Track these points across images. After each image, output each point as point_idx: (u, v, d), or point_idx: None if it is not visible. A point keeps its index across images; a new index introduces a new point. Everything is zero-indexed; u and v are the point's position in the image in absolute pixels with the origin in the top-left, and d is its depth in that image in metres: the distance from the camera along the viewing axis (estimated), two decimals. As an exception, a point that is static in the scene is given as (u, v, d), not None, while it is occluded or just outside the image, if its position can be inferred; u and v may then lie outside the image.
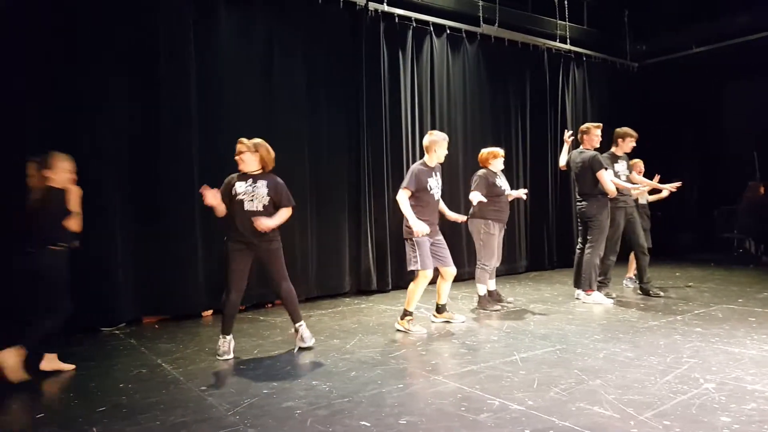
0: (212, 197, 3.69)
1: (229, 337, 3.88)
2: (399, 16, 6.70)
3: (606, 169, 5.41)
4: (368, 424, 2.62)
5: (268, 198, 3.81)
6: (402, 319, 4.53)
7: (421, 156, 6.87)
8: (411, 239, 4.40)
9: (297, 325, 4.02)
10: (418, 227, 4.28)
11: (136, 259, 5.03)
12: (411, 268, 4.46)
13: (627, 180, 5.72)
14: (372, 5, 6.44)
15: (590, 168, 5.40)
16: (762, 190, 8.41)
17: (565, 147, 5.89)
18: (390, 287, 6.55)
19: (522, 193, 5.53)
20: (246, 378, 3.39)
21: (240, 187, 3.80)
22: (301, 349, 3.99)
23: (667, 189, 6.28)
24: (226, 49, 5.50)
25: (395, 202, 6.56)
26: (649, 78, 9.59)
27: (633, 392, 2.95)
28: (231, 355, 3.83)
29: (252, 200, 3.78)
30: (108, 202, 4.86)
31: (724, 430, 2.45)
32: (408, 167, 6.75)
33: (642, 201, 6.38)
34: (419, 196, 4.43)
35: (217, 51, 5.45)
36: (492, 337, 4.27)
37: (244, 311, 5.45)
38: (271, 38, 5.79)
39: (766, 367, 3.32)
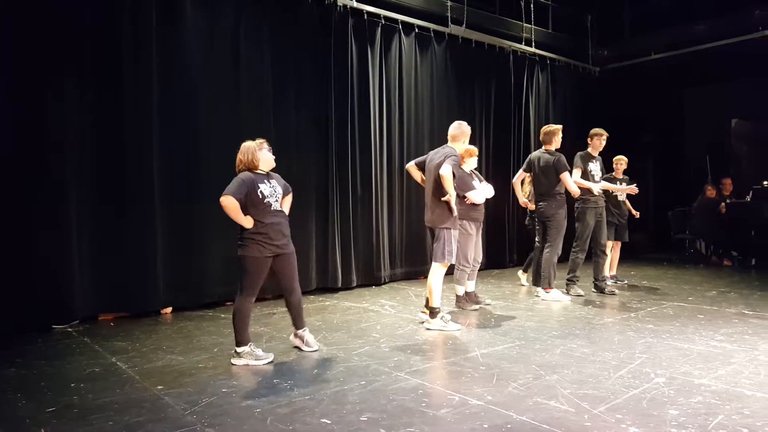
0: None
1: (253, 344, 3.65)
2: (368, 13, 6.69)
3: (570, 171, 5.56)
4: (329, 422, 2.61)
5: (281, 195, 3.74)
6: (433, 317, 4.46)
7: (389, 154, 7.00)
8: (449, 228, 4.41)
9: (302, 331, 3.90)
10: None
11: (93, 254, 4.86)
12: (445, 261, 4.43)
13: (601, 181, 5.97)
14: (341, 1, 6.40)
15: (554, 169, 5.52)
16: (713, 192, 8.76)
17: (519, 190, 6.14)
18: (355, 284, 6.54)
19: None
20: (205, 377, 3.33)
21: (265, 189, 3.59)
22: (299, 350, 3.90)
23: (627, 190, 6.44)
24: (190, 43, 5.35)
25: (362, 200, 6.65)
26: (611, 82, 9.86)
27: (588, 387, 3.03)
28: (272, 355, 3.65)
29: (277, 200, 3.65)
30: (63, 196, 4.69)
31: (672, 423, 2.54)
32: (376, 165, 6.81)
33: (621, 198, 6.59)
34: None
35: (181, 44, 5.30)
36: (454, 334, 4.32)
37: (204, 309, 5.35)
38: (237, 32, 5.67)
39: (712, 362, 3.47)
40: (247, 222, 3.51)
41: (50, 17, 4.60)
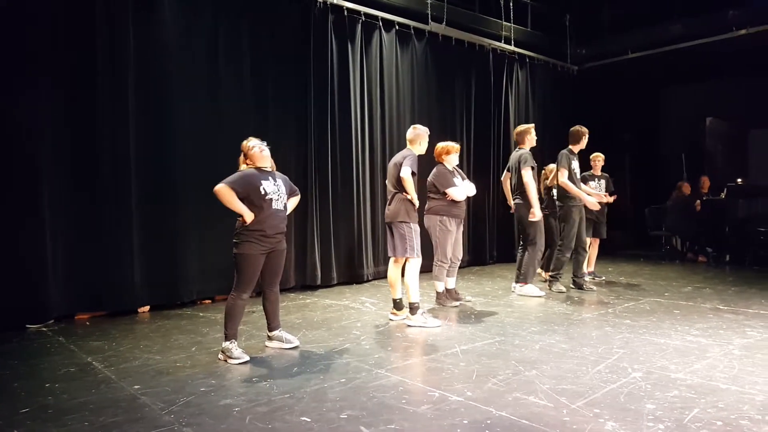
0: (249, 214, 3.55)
1: (236, 342, 3.63)
2: (348, 9, 6.66)
3: (533, 168, 5.52)
4: (309, 420, 2.60)
5: (286, 195, 3.77)
6: (413, 314, 4.47)
7: (371, 151, 6.99)
8: (408, 224, 4.47)
9: (278, 331, 3.89)
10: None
11: (68, 253, 4.77)
12: (406, 255, 4.48)
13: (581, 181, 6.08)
14: (320, -4, 6.36)
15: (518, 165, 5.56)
16: (688, 190, 8.92)
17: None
18: (335, 282, 6.52)
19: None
20: (182, 376, 3.28)
21: (268, 186, 3.62)
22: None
23: (602, 198, 6.50)
24: (167, 39, 5.25)
25: (342, 196, 6.62)
26: (588, 81, 9.97)
27: (566, 382, 3.06)
28: (247, 357, 3.58)
29: (279, 199, 3.68)
30: (38, 192, 4.59)
31: (649, 417, 2.58)
32: (357, 162, 6.79)
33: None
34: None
35: (158, 41, 5.20)
36: (434, 330, 4.33)
37: (182, 307, 5.28)
38: (215, 28, 5.60)
39: (688, 357, 3.53)
40: (246, 212, 3.51)
41: (23, 12, 4.49)
